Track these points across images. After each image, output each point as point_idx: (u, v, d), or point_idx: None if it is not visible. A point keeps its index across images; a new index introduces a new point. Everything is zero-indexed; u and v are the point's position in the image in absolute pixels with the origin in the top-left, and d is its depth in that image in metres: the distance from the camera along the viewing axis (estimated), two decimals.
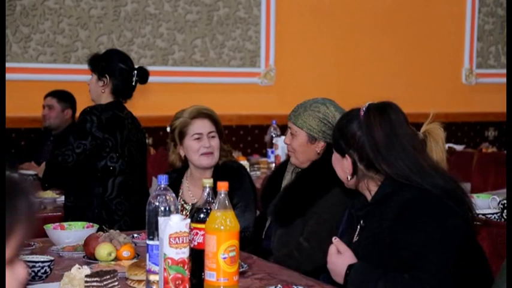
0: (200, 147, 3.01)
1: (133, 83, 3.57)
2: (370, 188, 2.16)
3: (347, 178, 2.20)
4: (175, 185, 3.08)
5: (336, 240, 2.15)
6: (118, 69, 3.53)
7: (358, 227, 2.21)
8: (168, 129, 3.12)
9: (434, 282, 1.97)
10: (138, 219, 3.35)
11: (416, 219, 2.04)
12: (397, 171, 2.09)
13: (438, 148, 2.29)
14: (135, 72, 3.57)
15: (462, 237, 2.07)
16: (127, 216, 3.45)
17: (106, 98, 3.53)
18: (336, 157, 2.24)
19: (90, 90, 3.59)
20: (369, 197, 2.18)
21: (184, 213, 3.05)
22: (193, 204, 3.02)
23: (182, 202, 3.09)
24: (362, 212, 2.20)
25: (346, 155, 2.17)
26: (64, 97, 5.05)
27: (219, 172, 3.03)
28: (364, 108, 2.17)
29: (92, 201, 3.43)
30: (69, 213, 3.45)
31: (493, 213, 3.12)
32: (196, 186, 3.04)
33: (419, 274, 1.98)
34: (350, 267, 2.07)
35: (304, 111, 2.82)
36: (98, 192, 3.43)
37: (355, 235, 2.22)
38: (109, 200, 3.43)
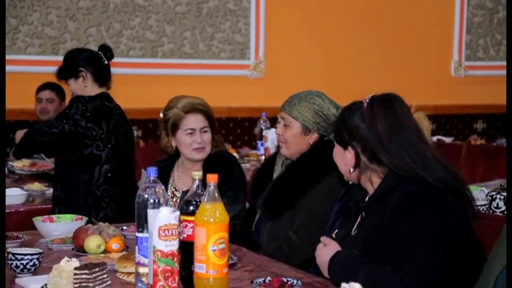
0: (192, 142, 3.03)
1: (106, 62, 3.59)
2: (372, 181, 2.15)
3: (349, 171, 2.18)
4: (166, 172, 3.11)
5: (323, 238, 2.17)
6: (86, 58, 3.56)
7: (359, 218, 2.21)
8: (161, 115, 3.13)
9: (415, 277, 1.97)
10: (125, 207, 3.36)
11: (414, 211, 2.04)
12: (400, 163, 2.08)
13: None
14: (100, 52, 3.60)
15: (455, 234, 2.06)
16: (114, 203, 3.46)
17: (92, 89, 3.54)
18: (337, 150, 2.22)
19: (76, 93, 3.61)
20: (371, 190, 2.17)
21: (174, 199, 3.09)
22: (183, 192, 3.05)
23: (173, 189, 3.12)
24: (364, 203, 2.20)
25: (349, 147, 2.16)
26: (61, 90, 5.04)
27: (210, 162, 3.06)
28: (367, 100, 2.15)
29: (79, 188, 3.44)
30: (57, 202, 3.46)
31: (481, 205, 3.14)
32: (187, 176, 3.06)
33: (402, 265, 1.98)
34: (334, 255, 2.08)
35: (300, 102, 2.81)
36: (84, 179, 3.45)
37: (354, 227, 2.22)
38: (95, 186, 3.44)
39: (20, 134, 3.73)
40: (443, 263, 2.03)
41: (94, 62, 3.56)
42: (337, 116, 2.30)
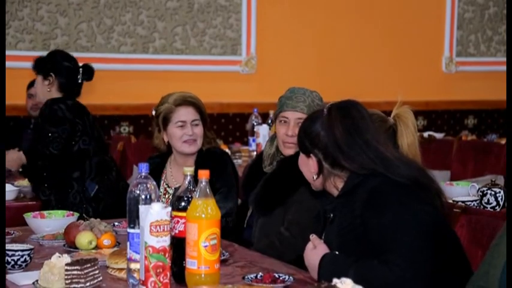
0: (183, 134, 3.03)
1: (80, 81, 3.61)
2: (337, 186, 2.19)
3: (313, 178, 2.22)
4: (158, 169, 3.12)
5: (312, 236, 2.18)
6: (63, 68, 3.60)
7: (328, 221, 2.23)
8: (154, 112, 3.14)
9: (402, 264, 1.98)
10: (119, 196, 3.39)
11: (383, 203, 2.07)
12: (360, 165, 2.12)
13: (408, 131, 2.31)
14: (81, 70, 3.61)
15: (429, 221, 2.08)
16: (109, 193, 3.49)
17: (54, 95, 3.57)
18: (301, 158, 2.26)
19: (36, 92, 3.64)
20: (337, 194, 2.20)
21: (167, 196, 3.10)
22: (175, 188, 3.05)
23: (165, 186, 3.13)
24: (330, 205, 2.22)
25: (311, 155, 2.20)
26: None
27: (202, 158, 3.06)
28: (326, 108, 2.20)
29: (72, 185, 3.45)
30: (50, 206, 3.44)
31: (472, 201, 3.15)
32: (179, 172, 3.06)
33: (387, 257, 2.00)
34: (322, 259, 2.09)
35: (312, 100, 2.79)
36: (76, 176, 3.46)
37: (324, 231, 2.24)
38: (90, 180, 3.47)
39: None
40: (427, 246, 2.04)
41: (69, 74, 3.60)
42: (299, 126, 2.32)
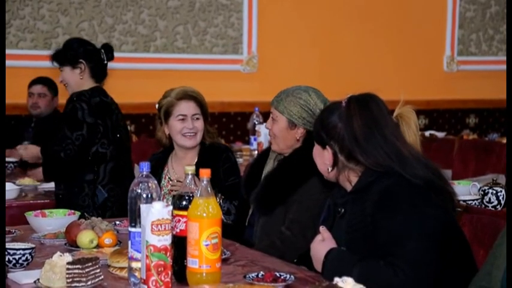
0: (183, 128, 3.09)
1: (105, 61, 3.57)
2: (350, 179, 2.17)
3: (327, 170, 2.21)
4: (161, 163, 3.18)
5: (322, 228, 2.17)
6: (88, 52, 3.53)
7: (337, 215, 2.23)
8: (157, 106, 3.18)
9: (407, 269, 1.98)
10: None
11: (394, 205, 2.06)
12: (376, 160, 2.10)
13: (411, 131, 2.31)
14: (102, 50, 3.57)
15: (439, 226, 2.08)
16: (119, 202, 3.45)
17: (87, 83, 3.51)
18: (317, 149, 2.25)
19: (68, 84, 3.53)
20: (350, 189, 2.19)
21: (169, 187, 3.15)
22: (177, 181, 3.09)
23: (168, 179, 3.18)
24: (342, 199, 2.21)
25: (327, 147, 2.19)
26: (53, 84, 5.02)
27: (206, 151, 3.12)
28: (345, 100, 2.19)
29: (83, 188, 3.42)
30: (60, 202, 3.43)
31: (473, 200, 3.15)
32: (180, 165, 3.12)
33: (393, 260, 2.00)
34: (328, 253, 2.09)
35: (287, 97, 2.84)
36: (89, 178, 3.42)
37: (334, 225, 2.23)
38: (102, 186, 3.43)
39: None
40: (435, 252, 2.04)
41: (95, 57, 3.54)
42: (316, 116, 2.33)
